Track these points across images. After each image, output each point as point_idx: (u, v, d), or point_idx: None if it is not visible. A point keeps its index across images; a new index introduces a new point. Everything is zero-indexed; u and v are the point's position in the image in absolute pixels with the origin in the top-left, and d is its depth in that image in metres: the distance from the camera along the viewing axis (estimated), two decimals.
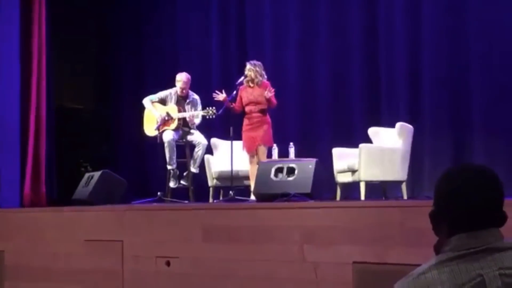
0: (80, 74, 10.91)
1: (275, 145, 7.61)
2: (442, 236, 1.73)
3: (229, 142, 7.42)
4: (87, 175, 7.41)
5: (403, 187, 7.18)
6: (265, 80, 7.56)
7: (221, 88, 9.15)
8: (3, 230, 6.70)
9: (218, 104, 7.65)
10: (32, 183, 9.17)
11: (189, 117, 7.73)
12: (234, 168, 7.38)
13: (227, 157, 7.44)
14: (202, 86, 8.74)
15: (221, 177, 8.02)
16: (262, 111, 7.48)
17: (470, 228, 1.67)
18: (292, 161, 6.75)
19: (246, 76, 7.51)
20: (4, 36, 8.99)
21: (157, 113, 7.80)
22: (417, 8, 8.20)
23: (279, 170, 6.01)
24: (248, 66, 7.54)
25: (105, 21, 11.05)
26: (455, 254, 1.65)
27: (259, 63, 7.61)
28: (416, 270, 1.69)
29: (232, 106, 7.51)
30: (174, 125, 7.75)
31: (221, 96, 7.48)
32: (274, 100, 7.44)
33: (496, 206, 1.70)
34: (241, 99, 7.55)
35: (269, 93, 7.34)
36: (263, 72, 7.57)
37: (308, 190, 5.72)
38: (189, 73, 7.99)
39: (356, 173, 7.06)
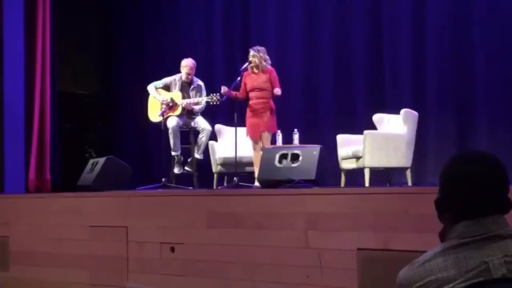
0: (84, 60, 10.90)
1: (279, 132, 7.61)
2: (447, 223, 1.72)
3: (233, 128, 7.41)
4: (91, 161, 7.41)
5: (408, 173, 7.17)
6: (269, 66, 7.54)
7: (225, 74, 9.15)
8: (8, 216, 6.72)
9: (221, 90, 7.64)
10: (37, 169, 9.20)
11: (186, 104, 7.70)
12: (238, 154, 7.38)
13: (231, 143, 7.44)
14: (206, 72, 8.72)
15: (225, 163, 8.02)
16: (266, 97, 7.47)
17: (475, 215, 1.67)
18: (296, 147, 6.75)
19: (250, 63, 7.49)
20: (9, 24, 8.98)
21: (162, 97, 7.79)
22: None
23: (283, 157, 6.01)
24: (251, 52, 7.52)
25: (108, 7, 11.03)
26: (460, 242, 1.65)
27: (263, 48, 7.59)
28: (421, 257, 1.69)
29: (235, 95, 7.50)
30: (178, 111, 7.75)
31: (222, 89, 7.45)
32: (279, 93, 7.43)
33: (501, 193, 1.70)
34: (245, 85, 7.54)
35: (276, 90, 7.35)
36: (267, 57, 7.55)
37: (312, 176, 5.71)
38: (192, 58, 7.97)
39: (361, 160, 7.06)
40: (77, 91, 10.94)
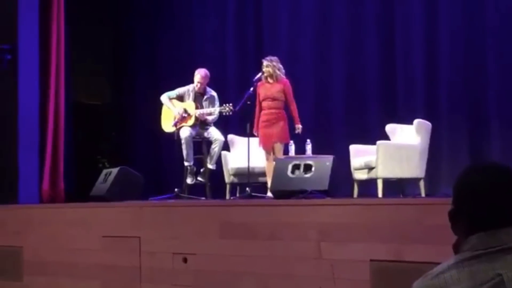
0: (97, 70, 10.95)
1: (291, 142, 7.60)
2: (461, 235, 1.71)
3: (246, 138, 7.42)
4: (105, 171, 7.45)
5: (421, 184, 7.14)
6: (284, 77, 7.54)
7: (238, 84, 9.17)
8: (22, 226, 6.75)
9: (235, 101, 7.66)
10: (51, 179, 9.23)
11: (199, 114, 7.72)
12: (251, 165, 7.38)
13: (244, 154, 7.44)
14: (219, 83, 8.74)
15: (238, 173, 8.02)
16: (279, 107, 7.47)
17: (489, 227, 1.66)
18: (309, 158, 6.74)
19: (263, 73, 7.50)
20: (23, 35, 9.04)
21: (175, 110, 7.81)
22: (434, 6, 8.16)
23: (296, 167, 6.01)
24: (265, 62, 7.52)
25: (122, 17, 11.08)
26: (474, 254, 1.64)
27: (275, 57, 7.59)
28: (435, 269, 1.68)
29: (258, 118, 7.51)
30: (191, 121, 7.76)
31: (255, 132, 7.51)
32: (295, 108, 7.46)
33: None
34: (259, 96, 7.54)
35: (300, 127, 7.43)
36: (281, 66, 7.55)
37: (325, 187, 5.71)
38: (205, 68, 7.99)
39: (374, 170, 7.04)
40: (90, 101, 10.99)
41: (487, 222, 1.66)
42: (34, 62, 9.18)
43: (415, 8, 8.32)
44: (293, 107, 7.48)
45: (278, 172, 6.16)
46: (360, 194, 7.25)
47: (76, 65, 10.07)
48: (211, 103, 7.88)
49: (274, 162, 7.10)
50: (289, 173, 5.99)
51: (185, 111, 7.77)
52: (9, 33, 8.93)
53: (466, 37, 7.93)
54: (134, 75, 10.90)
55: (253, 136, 7.52)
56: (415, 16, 8.31)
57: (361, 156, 7.28)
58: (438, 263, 1.69)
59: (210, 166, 7.78)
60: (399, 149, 7.12)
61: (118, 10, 11.05)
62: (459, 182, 1.73)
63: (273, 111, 7.46)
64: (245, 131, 7.40)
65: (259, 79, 7.55)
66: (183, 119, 7.78)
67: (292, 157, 7.17)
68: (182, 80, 8.16)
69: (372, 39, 8.65)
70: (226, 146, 8.14)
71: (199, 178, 7.83)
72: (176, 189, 7.46)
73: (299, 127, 7.47)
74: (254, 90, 7.55)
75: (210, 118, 7.80)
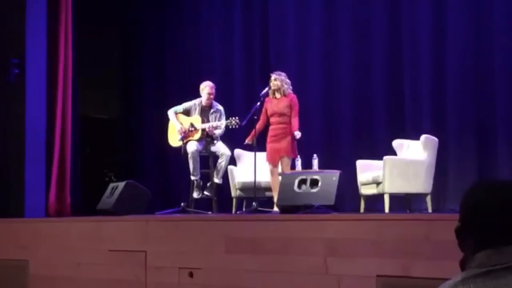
0: (105, 84, 10.99)
1: (298, 157, 7.60)
2: (468, 252, 1.70)
3: (252, 153, 7.42)
4: (111, 185, 7.45)
5: (428, 199, 7.13)
6: (291, 92, 7.56)
7: (244, 99, 9.19)
8: (28, 239, 6.75)
9: (242, 115, 7.67)
10: (57, 193, 9.24)
11: (208, 128, 7.74)
12: (258, 179, 7.38)
13: (251, 168, 7.44)
14: (225, 97, 8.76)
15: (244, 188, 8.01)
16: (286, 123, 7.48)
17: (497, 244, 1.65)
18: (315, 172, 6.73)
19: (270, 87, 7.51)
20: (31, 48, 9.09)
21: (179, 125, 7.82)
22: (441, 22, 8.17)
23: (302, 182, 5.99)
24: (273, 76, 7.55)
25: (129, 32, 11.14)
26: (481, 271, 1.63)
27: (284, 73, 7.63)
28: (441, 286, 1.67)
29: (259, 130, 7.50)
30: (197, 135, 7.77)
31: (248, 140, 7.51)
32: (298, 124, 7.45)
33: None
34: (266, 110, 7.55)
35: (299, 134, 7.37)
36: (288, 81, 7.58)
37: (331, 202, 5.69)
38: (212, 82, 8.01)
39: (380, 185, 7.02)
40: (98, 115, 11.02)
41: (494, 239, 1.65)
42: (41, 76, 9.21)
43: (422, 24, 8.33)
44: (295, 120, 7.46)
45: (285, 187, 6.15)
46: (367, 209, 7.23)
47: (84, 78, 10.10)
48: (218, 117, 7.89)
49: (280, 177, 7.11)
50: (295, 187, 5.98)
51: (192, 125, 7.78)
52: (17, 47, 8.98)
53: (474, 53, 7.93)
54: (142, 89, 10.93)
55: (260, 150, 7.51)
56: (423, 32, 8.32)
57: (368, 171, 7.27)
58: (445, 279, 1.68)
59: (217, 180, 7.78)
60: (406, 165, 7.11)
61: (126, 24, 11.11)
62: (465, 199, 1.72)
63: (280, 126, 7.48)
64: (252, 145, 7.40)
65: (267, 94, 7.56)
66: (189, 133, 7.79)
67: (298, 172, 7.16)
68: (190, 94, 8.18)
69: (380, 55, 8.66)
70: (232, 161, 8.14)
71: (205, 193, 7.83)
72: (182, 203, 7.46)
73: (298, 133, 7.42)
74: (261, 105, 7.56)
75: (217, 132, 7.81)
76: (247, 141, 7.54)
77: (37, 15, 9.21)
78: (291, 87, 7.59)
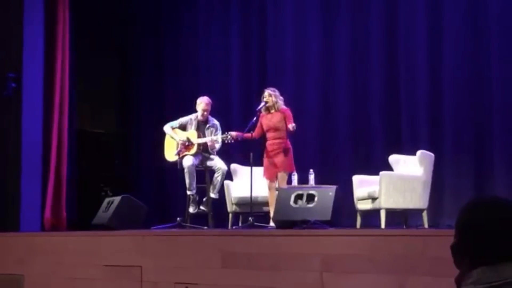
0: (102, 98, 10.99)
1: (295, 172, 7.60)
2: (464, 268, 1.70)
3: (248, 168, 7.42)
4: (107, 199, 7.44)
5: (424, 215, 7.12)
6: (283, 106, 7.57)
7: (241, 113, 9.20)
8: (23, 253, 6.73)
9: (238, 129, 7.67)
10: (53, 207, 9.22)
11: (210, 142, 7.75)
12: (254, 194, 7.37)
13: (247, 183, 7.43)
14: (222, 112, 8.77)
15: (240, 203, 8.01)
16: (282, 137, 7.48)
17: (492, 261, 1.65)
18: (312, 188, 6.74)
19: (266, 103, 7.53)
20: (28, 60, 9.11)
21: (178, 137, 7.83)
22: (438, 34, 8.20)
23: (298, 197, 6.00)
24: (266, 92, 7.57)
25: (127, 47, 11.15)
26: None
27: (276, 90, 7.65)
28: None
29: (250, 135, 7.51)
30: (194, 150, 7.77)
31: (235, 135, 7.48)
32: (293, 127, 7.43)
33: None
34: (261, 125, 7.57)
35: (291, 125, 7.33)
36: (281, 97, 7.60)
37: (328, 217, 5.70)
38: (209, 97, 8.01)
39: (377, 201, 7.02)
40: (94, 130, 11.02)
41: (490, 257, 1.65)
42: (38, 90, 9.23)
43: (418, 40, 8.35)
44: (292, 124, 7.45)
45: (281, 202, 6.16)
46: (363, 225, 7.23)
47: (80, 92, 10.11)
48: (214, 131, 7.90)
49: (276, 192, 7.11)
50: (291, 203, 5.99)
51: (188, 139, 7.78)
52: (14, 61, 9.00)
53: (471, 68, 7.94)
54: (139, 104, 10.93)
55: (256, 165, 7.50)
56: (419, 48, 8.34)
57: (364, 186, 7.27)
58: None
59: (213, 195, 7.78)
60: (402, 180, 7.11)
61: (124, 38, 11.13)
62: (461, 217, 1.73)
63: (276, 141, 7.48)
64: (248, 160, 7.40)
65: (261, 109, 7.57)
66: (186, 148, 7.79)
67: (295, 187, 7.16)
68: (187, 110, 8.18)
69: (376, 70, 8.67)
70: (228, 175, 8.14)
71: (201, 207, 7.82)
72: (178, 218, 7.44)
73: (293, 125, 7.37)
74: (257, 120, 7.57)
75: (217, 146, 7.80)
76: (238, 135, 7.46)
77: (35, 29, 9.24)
78: (283, 101, 7.62)
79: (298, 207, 5.93)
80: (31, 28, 9.21)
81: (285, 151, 7.47)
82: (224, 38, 10.13)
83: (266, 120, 7.54)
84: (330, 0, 9.15)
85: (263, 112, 7.58)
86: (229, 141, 7.63)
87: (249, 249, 5.11)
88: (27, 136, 9.04)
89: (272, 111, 7.54)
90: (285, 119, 7.48)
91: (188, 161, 7.69)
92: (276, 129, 7.48)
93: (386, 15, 8.65)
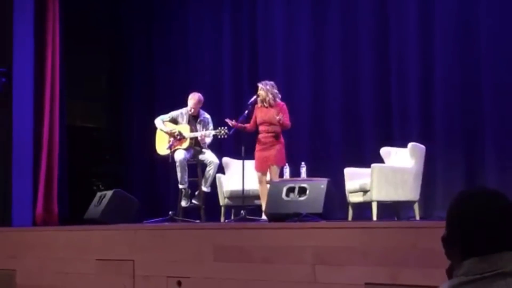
0: (93, 94, 10.98)
1: (286, 165, 7.60)
2: (455, 260, 1.71)
3: (240, 161, 7.42)
4: (99, 194, 7.43)
5: (416, 207, 7.15)
6: (279, 101, 7.56)
7: (233, 107, 9.20)
8: (15, 249, 6.72)
9: (230, 125, 7.68)
10: (45, 202, 9.21)
11: (200, 137, 7.75)
12: (246, 188, 7.37)
13: (239, 176, 7.44)
14: (214, 106, 8.76)
15: (232, 196, 8.01)
16: (275, 131, 7.48)
17: (482, 252, 1.66)
18: (303, 180, 6.74)
19: (258, 96, 7.52)
20: (18, 57, 9.07)
21: (169, 129, 7.81)
22: (429, 29, 8.21)
23: (290, 190, 6.01)
24: (259, 86, 7.55)
25: (117, 42, 11.13)
26: (468, 279, 1.64)
27: (271, 82, 7.60)
28: None
29: (244, 126, 7.52)
30: (186, 144, 7.76)
31: (230, 122, 7.46)
32: (286, 123, 7.44)
33: (509, 229, 1.69)
34: (255, 118, 7.54)
35: (279, 116, 7.30)
36: (276, 92, 7.55)
37: (319, 210, 5.71)
38: (200, 93, 8.00)
39: (368, 193, 7.04)
40: (85, 125, 11.00)
41: (480, 248, 1.66)
42: (28, 85, 9.20)
43: (410, 33, 8.36)
44: (286, 121, 7.44)
45: (273, 195, 6.16)
46: (355, 217, 7.24)
47: (71, 88, 10.08)
48: (205, 125, 7.89)
49: (268, 185, 7.11)
50: (283, 196, 5.99)
51: (180, 133, 7.77)
52: (4, 56, 8.96)
53: (461, 61, 7.96)
54: (130, 98, 10.91)
55: (248, 159, 7.51)
56: (411, 40, 8.35)
57: (355, 179, 7.28)
58: (433, 287, 1.69)
59: (205, 188, 7.78)
60: (393, 172, 7.13)
61: (114, 34, 11.10)
62: (452, 208, 1.74)
63: (269, 135, 7.47)
64: (240, 154, 7.40)
65: (255, 102, 7.56)
66: (177, 141, 7.78)
67: (286, 180, 7.17)
68: (177, 104, 8.17)
69: (368, 63, 8.68)
70: (220, 169, 8.14)
71: (193, 201, 7.82)
72: (170, 212, 7.44)
73: (279, 117, 7.36)
74: (250, 113, 7.55)
75: (207, 140, 7.80)
76: (232, 122, 7.44)
77: (25, 24, 9.20)
78: (279, 96, 7.59)
79: (290, 200, 5.94)
80: (21, 24, 9.17)
81: (277, 145, 7.46)
82: (215, 33, 10.12)
83: (261, 114, 7.51)
84: None
85: (259, 104, 7.55)
86: (222, 136, 7.63)
87: (241, 242, 5.12)
88: (17, 131, 9.02)
89: (266, 105, 7.51)
90: (280, 113, 7.47)
91: (180, 155, 7.69)
92: (270, 123, 7.47)
93: (378, 8, 8.65)
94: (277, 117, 7.30)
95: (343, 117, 8.82)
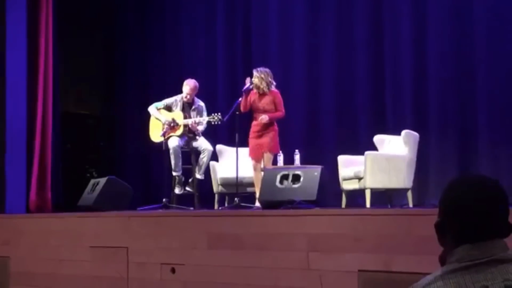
0: (86, 80, 10.94)
1: (280, 152, 7.61)
2: (448, 246, 1.72)
3: (234, 148, 7.42)
4: (92, 181, 7.42)
5: (409, 194, 7.17)
6: (274, 89, 7.53)
7: (227, 95, 9.19)
8: (8, 236, 6.72)
9: (223, 111, 7.66)
10: (38, 189, 9.19)
11: (191, 124, 7.73)
12: (239, 175, 7.38)
13: (232, 164, 7.44)
14: (208, 93, 8.75)
15: (226, 183, 8.02)
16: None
17: (475, 239, 1.67)
18: (297, 168, 6.75)
19: (252, 83, 7.50)
20: (11, 43, 9.03)
21: (164, 118, 7.81)
22: (423, 16, 8.21)
23: (284, 177, 6.01)
24: (254, 73, 7.53)
25: (111, 28, 11.08)
26: (460, 265, 1.65)
27: (267, 70, 7.56)
28: (421, 280, 1.68)
29: (241, 103, 7.43)
30: (179, 131, 7.76)
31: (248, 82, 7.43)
32: (279, 114, 7.42)
33: (501, 216, 1.70)
34: (250, 101, 7.48)
35: (265, 117, 7.31)
36: (271, 80, 7.52)
37: (313, 197, 5.71)
38: (195, 80, 7.99)
39: (362, 181, 7.05)
40: (79, 111, 10.97)
41: (473, 235, 1.67)
42: (22, 71, 9.16)
43: (404, 20, 8.35)
44: (278, 113, 7.45)
45: (267, 182, 6.17)
46: (348, 205, 7.26)
47: (65, 75, 10.05)
48: (199, 113, 7.88)
49: (262, 172, 7.12)
50: (277, 183, 6.00)
51: (174, 120, 7.77)
52: None
53: (455, 49, 7.97)
54: (124, 85, 10.89)
55: (242, 146, 7.51)
56: (405, 28, 8.34)
57: (349, 166, 7.30)
58: (426, 274, 1.69)
59: (199, 176, 7.78)
60: (387, 160, 7.14)
61: (108, 21, 11.05)
62: (445, 195, 1.74)
63: (263, 122, 7.46)
64: (234, 141, 7.39)
65: (247, 90, 7.53)
66: (171, 129, 7.77)
67: (280, 167, 7.17)
68: (172, 92, 8.16)
69: (361, 52, 8.68)
70: (214, 156, 8.14)
71: (187, 188, 7.82)
72: (164, 199, 7.43)
73: (265, 117, 7.37)
74: (244, 99, 7.51)
75: (199, 128, 7.80)
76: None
77: (17, 11, 9.15)
78: (274, 84, 7.56)
79: (284, 188, 5.94)
80: (14, 11, 9.12)
81: (271, 132, 7.46)
82: (210, 21, 10.09)
83: (256, 100, 7.48)
84: None
85: (255, 90, 7.51)
86: (216, 123, 7.62)
87: (235, 230, 5.13)
88: (11, 118, 8.99)
89: (261, 92, 7.48)
90: (274, 102, 7.46)
91: (174, 142, 7.68)
92: (264, 111, 7.45)
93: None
94: (263, 119, 7.28)
95: (337, 104, 8.82)
